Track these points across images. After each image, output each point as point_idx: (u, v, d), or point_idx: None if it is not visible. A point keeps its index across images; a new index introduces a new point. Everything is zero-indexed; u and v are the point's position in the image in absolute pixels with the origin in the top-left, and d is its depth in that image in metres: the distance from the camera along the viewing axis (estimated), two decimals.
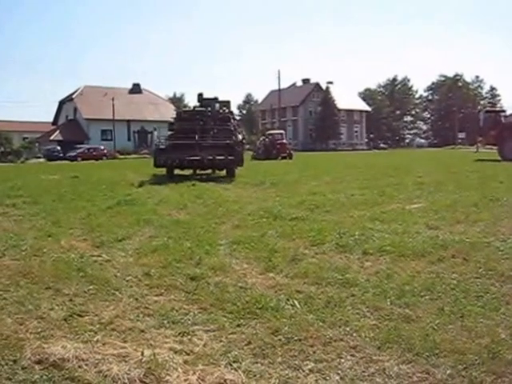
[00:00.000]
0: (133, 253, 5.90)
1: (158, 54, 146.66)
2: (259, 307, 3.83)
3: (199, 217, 8.53)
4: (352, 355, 3.05)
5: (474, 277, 4.52)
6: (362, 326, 3.45)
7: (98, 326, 3.59)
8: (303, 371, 2.86)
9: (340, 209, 8.80)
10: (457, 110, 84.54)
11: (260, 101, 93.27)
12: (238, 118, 19.88)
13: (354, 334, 3.34)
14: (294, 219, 7.75)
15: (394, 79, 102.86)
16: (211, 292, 4.28)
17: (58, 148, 52.35)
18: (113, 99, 57.84)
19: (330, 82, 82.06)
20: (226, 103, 20.03)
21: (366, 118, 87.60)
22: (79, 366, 2.88)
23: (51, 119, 68.93)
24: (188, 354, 3.06)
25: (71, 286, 4.57)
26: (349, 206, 9.14)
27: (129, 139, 62.26)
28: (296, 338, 3.27)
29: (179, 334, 3.41)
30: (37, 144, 59.06)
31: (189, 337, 3.35)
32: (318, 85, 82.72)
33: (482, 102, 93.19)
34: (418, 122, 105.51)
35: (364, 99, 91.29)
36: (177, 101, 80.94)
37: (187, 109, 24.45)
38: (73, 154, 48.75)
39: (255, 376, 2.76)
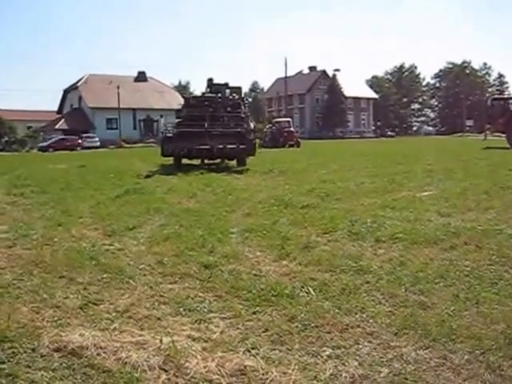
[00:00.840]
0: (145, 241, 5.91)
1: (162, 42, 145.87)
2: (274, 294, 3.83)
3: (209, 205, 8.54)
4: (369, 341, 3.05)
5: (487, 264, 4.50)
6: (377, 313, 3.45)
7: (114, 314, 3.60)
8: (321, 357, 2.86)
9: (350, 197, 8.78)
10: (464, 97, 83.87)
11: (266, 89, 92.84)
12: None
13: (371, 321, 3.34)
14: (304, 207, 7.74)
15: (402, 66, 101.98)
16: (226, 280, 4.28)
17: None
18: (118, 87, 57.55)
19: (337, 70, 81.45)
20: (237, 89, 19.34)
21: (373, 106, 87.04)
22: (98, 354, 2.89)
23: (56, 108, 68.87)
24: (206, 342, 3.07)
25: (85, 274, 4.58)
26: (359, 193, 9.11)
27: (134, 128, 62.05)
28: (313, 325, 3.28)
29: (196, 321, 3.42)
30: (41, 133, 59.01)
31: (205, 324, 3.36)
32: (324, 72, 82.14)
33: (489, 90, 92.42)
34: (426, 110, 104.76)
35: (371, 87, 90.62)
36: (182, 89, 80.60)
37: (196, 95, 22.57)
38: (44, 144, 47.60)
39: (274, 362, 2.76)
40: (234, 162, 17.27)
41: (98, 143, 52.11)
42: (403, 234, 5.59)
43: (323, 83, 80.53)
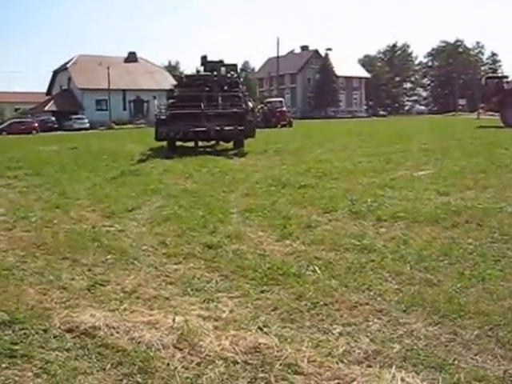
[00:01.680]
0: (145, 222, 5.90)
1: (151, 20, 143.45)
2: (281, 273, 3.85)
3: (206, 186, 8.51)
4: (379, 318, 3.08)
5: (489, 241, 4.54)
6: (385, 291, 3.47)
7: (121, 294, 3.60)
8: (333, 334, 2.88)
9: (348, 176, 8.78)
10: (457, 76, 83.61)
11: (257, 69, 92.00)
12: None
13: (379, 298, 3.36)
14: (303, 187, 7.74)
15: (394, 45, 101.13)
16: (230, 260, 4.29)
17: (53, 119, 51.58)
18: (108, 68, 56.78)
19: (329, 49, 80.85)
20: (233, 66, 18.03)
21: (365, 85, 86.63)
22: (111, 334, 2.89)
23: (45, 90, 67.81)
24: (216, 320, 3.08)
25: (88, 256, 4.57)
26: (357, 173, 9.12)
27: (124, 109, 61.34)
28: (321, 303, 3.30)
29: (204, 300, 3.43)
30: (29, 115, 58.16)
31: (214, 303, 3.37)
32: (316, 52, 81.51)
33: (482, 68, 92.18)
34: (418, 89, 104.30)
35: (363, 66, 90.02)
36: (172, 69, 79.57)
37: (190, 73, 20.53)
38: None
39: (287, 340, 2.78)
40: (229, 144, 16.57)
41: (88, 125, 51.35)
42: (404, 213, 5.61)
43: (315, 63, 79.98)
